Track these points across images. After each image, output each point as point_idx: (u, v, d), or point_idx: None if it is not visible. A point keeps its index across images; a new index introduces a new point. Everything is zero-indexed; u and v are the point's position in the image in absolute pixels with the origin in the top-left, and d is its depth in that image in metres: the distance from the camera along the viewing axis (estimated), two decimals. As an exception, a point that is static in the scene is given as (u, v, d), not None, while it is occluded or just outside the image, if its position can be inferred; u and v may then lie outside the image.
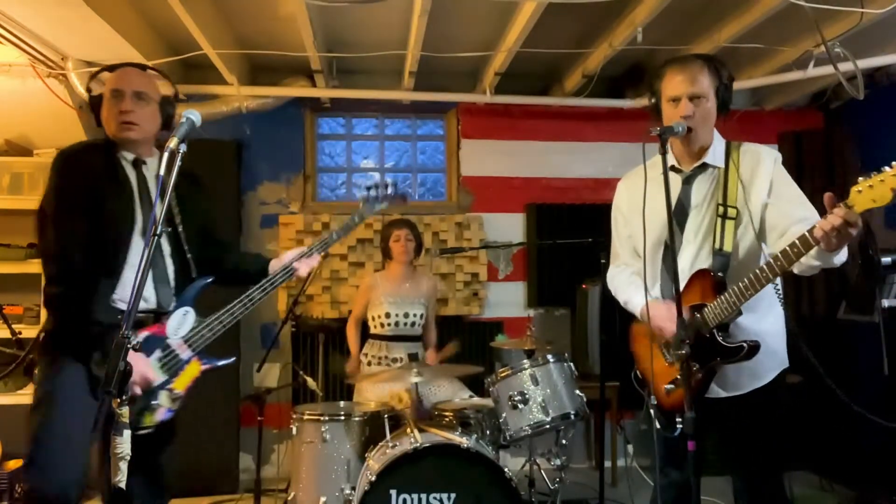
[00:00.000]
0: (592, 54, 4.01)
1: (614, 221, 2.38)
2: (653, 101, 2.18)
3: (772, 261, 1.82)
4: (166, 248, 2.15)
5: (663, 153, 1.89)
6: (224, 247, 2.44)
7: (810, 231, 1.72)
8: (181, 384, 2.05)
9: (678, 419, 1.93)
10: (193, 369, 2.09)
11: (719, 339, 1.94)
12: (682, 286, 2.05)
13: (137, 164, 2.13)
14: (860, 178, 1.65)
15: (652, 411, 2.17)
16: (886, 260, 3.73)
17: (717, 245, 2.02)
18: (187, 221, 2.21)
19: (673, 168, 2.14)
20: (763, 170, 2.04)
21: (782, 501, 2.11)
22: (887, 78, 4.40)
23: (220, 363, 2.16)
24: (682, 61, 2.10)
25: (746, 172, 2.04)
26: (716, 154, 2.11)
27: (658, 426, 2.14)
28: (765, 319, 2.03)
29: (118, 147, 2.12)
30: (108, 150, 2.12)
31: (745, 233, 2.02)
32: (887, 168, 1.62)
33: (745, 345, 1.90)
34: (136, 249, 2.02)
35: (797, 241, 1.75)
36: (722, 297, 1.93)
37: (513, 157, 4.86)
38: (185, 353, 2.06)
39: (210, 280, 2.16)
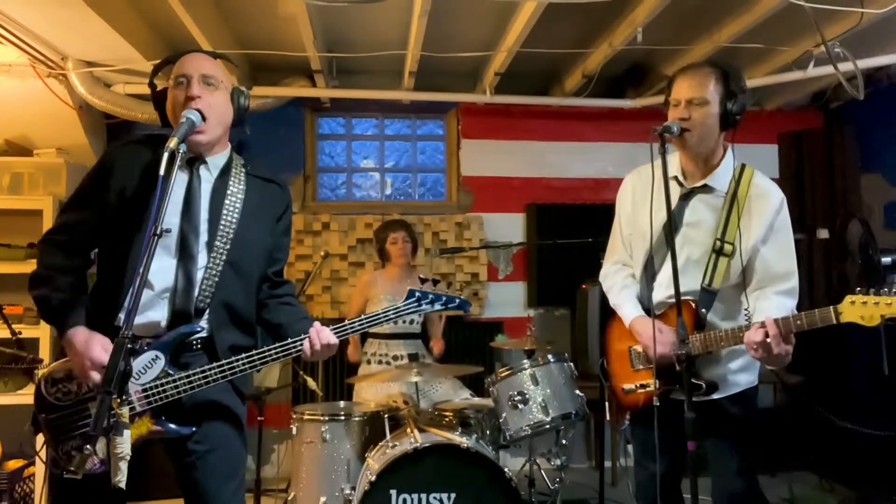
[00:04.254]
0: (592, 54, 4.01)
1: (616, 217, 2.36)
2: (666, 101, 2.13)
3: (734, 331, 1.91)
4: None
5: (662, 153, 1.89)
6: (277, 290, 1.98)
7: (740, 327, 1.88)
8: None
9: (627, 415, 2.15)
10: (142, 426, 1.71)
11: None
12: (660, 311, 2.11)
13: (193, 162, 1.81)
14: (858, 289, 1.67)
15: (607, 405, 2.26)
16: (886, 260, 3.74)
17: (707, 281, 2.02)
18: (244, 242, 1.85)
19: (675, 178, 2.11)
20: (766, 211, 2.01)
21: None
22: (887, 78, 4.39)
23: (175, 430, 1.74)
24: (693, 67, 2.07)
25: (749, 208, 2.02)
26: (722, 177, 2.07)
27: (608, 417, 2.25)
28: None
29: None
30: (161, 145, 1.70)
31: (734, 270, 2.02)
32: (887, 292, 1.63)
33: (703, 384, 1.96)
34: (159, 267, 1.71)
35: (730, 331, 1.91)
36: (699, 335, 1.96)
37: (513, 157, 4.86)
38: (139, 404, 1.69)
39: (198, 330, 1.77)
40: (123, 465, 1.55)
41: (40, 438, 1.81)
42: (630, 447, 4.34)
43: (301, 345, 1.78)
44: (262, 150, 4.58)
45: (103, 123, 4.27)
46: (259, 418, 3.45)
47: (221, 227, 1.81)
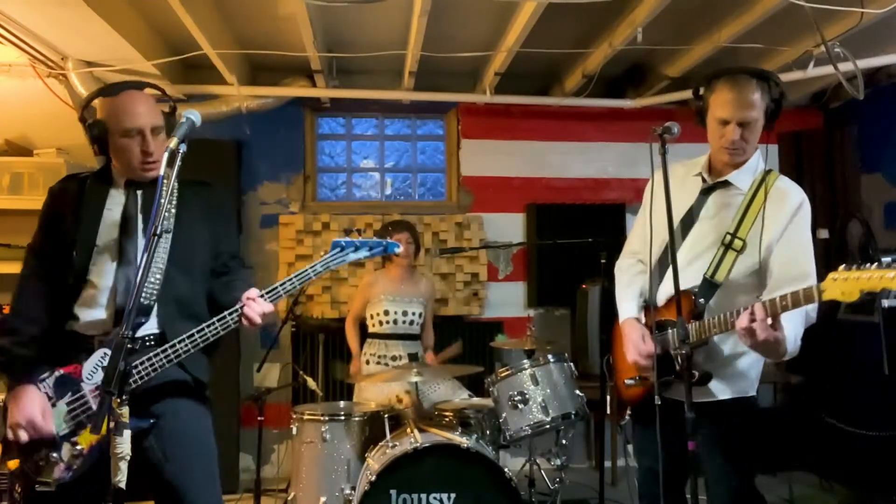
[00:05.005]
0: (592, 54, 4.01)
1: (641, 210, 2.32)
2: (698, 104, 2.11)
3: (725, 317, 1.88)
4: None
5: (662, 153, 1.90)
6: (225, 277, 2.06)
7: (732, 313, 1.83)
8: (86, 440, 1.71)
9: (627, 411, 2.20)
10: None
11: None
12: (664, 302, 2.10)
13: (130, 185, 1.95)
14: (842, 266, 1.63)
15: (608, 398, 2.25)
16: (886, 260, 3.73)
17: (710, 273, 2.00)
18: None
19: (700, 175, 2.13)
20: (783, 211, 1.99)
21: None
22: (887, 78, 4.40)
23: (133, 423, 1.68)
24: (736, 79, 2.02)
25: (767, 207, 1.99)
26: (745, 176, 2.05)
27: (609, 411, 2.23)
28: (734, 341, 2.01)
29: (111, 172, 1.97)
30: (91, 178, 1.98)
31: (743, 266, 1.99)
32: (867, 267, 1.60)
33: (695, 373, 1.92)
34: (101, 271, 1.86)
35: (720, 318, 1.87)
36: (694, 324, 1.95)
37: (513, 157, 4.86)
38: (94, 402, 1.74)
39: (142, 322, 1.83)
40: (123, 465, 1.56)
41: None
42: (630, 447, 4.37)
43: (237, 317, 1.81)
44: (262, 150, 4.60)
45: (103, 123, 4.26)
46: (259, 418, 3.44)
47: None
